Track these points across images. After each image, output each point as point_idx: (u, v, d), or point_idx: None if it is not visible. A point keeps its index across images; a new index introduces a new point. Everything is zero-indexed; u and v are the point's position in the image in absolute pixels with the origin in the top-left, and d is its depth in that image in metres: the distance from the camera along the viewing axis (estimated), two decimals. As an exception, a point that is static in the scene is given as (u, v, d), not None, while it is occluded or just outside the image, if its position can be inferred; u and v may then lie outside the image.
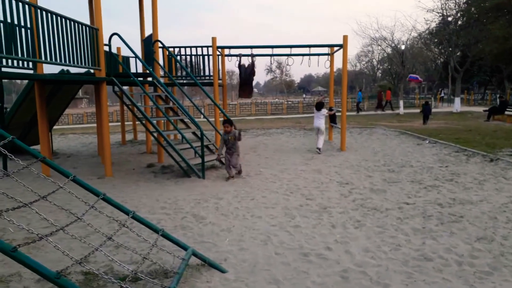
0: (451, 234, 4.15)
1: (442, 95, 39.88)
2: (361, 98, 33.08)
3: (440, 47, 34.89)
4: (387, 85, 49.85)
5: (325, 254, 3.72)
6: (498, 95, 28.48)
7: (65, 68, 8.62)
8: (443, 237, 4.08)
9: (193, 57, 11.85)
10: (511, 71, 34.85)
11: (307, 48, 11.06)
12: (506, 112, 18.55)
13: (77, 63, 7.10)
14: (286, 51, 11.22)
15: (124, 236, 4.19)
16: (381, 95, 33.05)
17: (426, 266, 3.40)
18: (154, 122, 7.83)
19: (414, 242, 3.97)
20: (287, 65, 11.49)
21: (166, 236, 3.21)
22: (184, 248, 3.36)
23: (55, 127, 13.83)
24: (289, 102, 41.59)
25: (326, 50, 11.57)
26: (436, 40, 32.05)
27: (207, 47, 11.46)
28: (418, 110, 27.78)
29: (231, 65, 45.93)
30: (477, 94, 42.74)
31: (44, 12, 6.31)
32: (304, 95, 79.88)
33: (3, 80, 8.40)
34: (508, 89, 36.14)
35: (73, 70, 9.18)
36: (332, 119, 12.55)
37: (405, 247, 3.84)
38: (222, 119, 11.78)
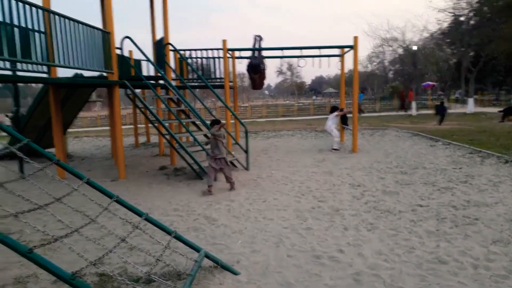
0: (465, 237, 4.09)
1: (457, 95, 39.44)
2: (361, 100, 32.77)
3: (452, 47, 34.49)
4: (399, 86, 49.38)
5: (338, 257, 3.70)
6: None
7: (79, 71, 8.75)
8: (457, 239, 4.02)
9: (204, 59, 11.93)
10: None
11: (318, 50, 11.04)
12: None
13: (90, 66, 7.20)
14: (296, 52, 11.22)
15: (137, 238, 4.23)
16: (403, 95, 32.68)
17: (441, 269, 3.35)
18: (166, 124, 7.89)
19: (428, 245, 3.92)
20: (299, 66, 11.46)
21: (179, 238, 3.23)
22: (197, 250, 3.37)
23: (69, 130, 14.03)
24: (300, 104, 41.49)
25: (336, 51, 11.54)
26: (448, 40, 31.68)
27: (218, 49, 11.52)
28: (431, 111, 27.45)
29: (242, 67, 45.98)
30: (491, 95, 42.04)
31: (57, 17, 6.42)
32: (314, 97, 79.20)
33: (18, 84, 8.56)
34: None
35: (86, 73, 9.32)
36: (343, 120, 12.48)
37: (419, 250, 3.79)
38: (233, 121, 11.86)
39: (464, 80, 34.31)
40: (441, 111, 17.74)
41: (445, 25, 30.16)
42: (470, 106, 25.07)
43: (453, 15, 27.44)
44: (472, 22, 27.49)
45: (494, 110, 19.48)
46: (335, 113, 11.03)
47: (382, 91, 64.91)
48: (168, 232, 3.16)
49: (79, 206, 5.42)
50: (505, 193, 5.77)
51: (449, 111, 28.16)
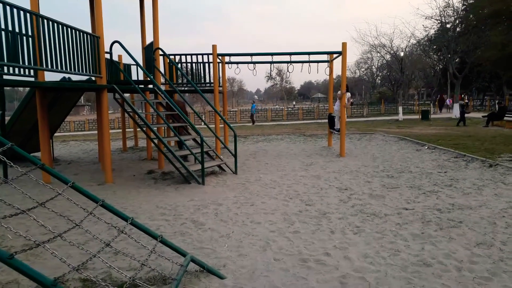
0: (450, 240, 4.15)
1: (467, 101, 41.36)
2: (254, 110, 33.18)
3: (438, 54, 35.09)
4: (387, 92, 50.05)
5: (324, 260, 3.72)
6: (497, 101, 28.61)
7: (67, 75, 8.68)
8: (442, 242, 4.08)
9: (193, 64, 11.93)
10: (510, 77, 34.94)
11: (307, 55, 11.15)
12: (505, 118, 18.59)
13: (79, 70, 7.14)
14: (286, 58, 11.30)
15: (123, 242, 4.19)
16: (442, 97, 35.60)
17: (426, 272, 3.39)
18: (155, 129, 7.86)
19: (413, 248, 3.96)
20: (288, 72, 11.57)
21: (164, 242, 3.21)
22: (183, 254, 3.36)
23: (56, 134, 13.87)
24: (289, 109, 41.69)
25: (325, 57, 11.65)
26: (435, 46, 32.24)
27: (208, 54, 11.54)
28: (417, 116, 27.89)
29: (231, 72, 46.17)
30: (476, 100, 42.83)
31: (45, 21, 6.37)
32: (293, 103, 78.94)
33: (5, 88, 8.45)
34: (507, 95, 36.19)
35: (74, 77, 9.25)
36: (331, 124, 12.58)
37: (404, 253, 3.84)
38: (222, 125, 11.86)
39: (450, 85, 34.89)
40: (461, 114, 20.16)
41: (432, 32, 30.73)
42: (456, 111, 25.48)
43: (439, 22, 27.93)
44: (458, 29, 28.01)
45: (479, 115, 19.84)
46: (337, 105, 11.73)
47: (370, 97, 65.65)
48: (154, 236, 3.15)
49: (64, 211, 5.40)
50: (488, 197, 5.87)
51: (436, 116, 28.66)
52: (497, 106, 23.73)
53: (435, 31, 30.24)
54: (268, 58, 11.36)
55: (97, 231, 4.51)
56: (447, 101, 36.12)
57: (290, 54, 11.04)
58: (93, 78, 8.03)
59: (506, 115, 18.86)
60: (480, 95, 48.29)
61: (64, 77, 9.06)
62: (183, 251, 3.40)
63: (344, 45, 10.42)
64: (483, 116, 19.60)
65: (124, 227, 2.95)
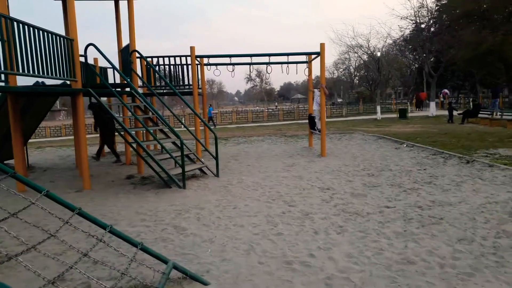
0: (432, 237, 4.19)
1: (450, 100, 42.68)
2: (211, 113, 33.41)
3: (414, 53, 35.86)
4: (365, 92, 50.87)
5: (309, 262, 3.69)
6: (471, 99, 29.44)
7: (40, 79, 8.41)
8: (424, 239, 4.11)
9: (172, 66, 11.78)
10: (483, 75, 36.01)
11: (286, 56, 11.18)
12: (479, 115, 19.12)
13: (52, 74, 6.91)
14: (265, 59, 11.29)
15: (102, 251, 4.06)
16: (419, 95, 36.23)
17: (410, 270, 3.41)
18: (133, 133, 7.70)
19: (397, 246, 3.98)
20: (267, 73, 11.57)
21: (145, 250, 3.12)
22: (164, 261, 3.27)
23: (31, 140, 13.45)
24: (270, 110, 41.83)
25: (304, 58, 11.70)
26: (410, 46, 32.93)
27: (186, 56, 11.42)
28: (395, 115, 28.39)
29: (210, 74, 45.97)
30: (451, 98, 43.97)
31: (15, 23, 6.15)
32: (276, 104, 78.08)
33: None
34: (480, 92, 37.29)
35: (49, 81, 8.97)
36: (311, 125, 12.63)
37: (388, 251, 3.85)
38: (202, 127, 11.74)
39: (425, 84, 35.69)
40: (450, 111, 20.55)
41: (407, 32, 31.37)
42: (432, 109, 26.07)
43: (414, 23, 28.52)
44: (432, 29, 28.67)
45: (454, 113, 20.35)
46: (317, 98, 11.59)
47: (348, 97, 66.55)
48: (134, 244, 3.05)
49: (41, 220, 5.22)
50: (467, 192, 5.99)
51: (413, 114, 29.23)
52: (471, 103, 24.40)
53: (410, 31, 30.91)
54: (248, 60, 11.33)
55: (75, 240, 4.36)
56: (445, 91, 37.20)
57: (269, 55, 11.04)
58: (68, 82, 7.80)
59: (480, 112, 19.40)
60: (455, 93, 49.57)
61: (37, 82, 8.76)
62: (165, 258, 3.31)
63: (322, 45, 10.48)
64: (458, 114, 20.10)
65: (102, 235, 2.85)
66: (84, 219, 2.93)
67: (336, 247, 4.04)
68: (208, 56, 11.32)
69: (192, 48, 10.76)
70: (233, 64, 11.31)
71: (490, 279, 3.18)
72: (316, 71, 13.12)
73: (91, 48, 8.05)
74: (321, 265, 3.61)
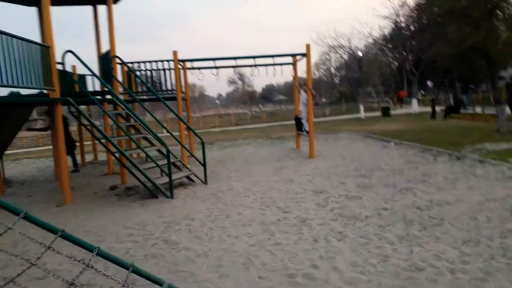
0: (436, 239, 4.03)
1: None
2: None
3: (394, 52, 36.32)
4: (346, 91, 51.36)
5: (312, 273, 3.47)
6: (453, 95, 29.98)
7: (15, 90, 7.98)
8: (429, 243, 3.95)
9: (154, 71, 11.44)
10: (462, 72, 36.71)
11: (271, 58, 11.01)
12: (461, 111, 19.39)
13: (28, 84, 6.52)
14: (250, 61, 11.08)
15: (89, 273, 3.74)
16: (399, 94, 37.21)
17: (419, 277, 3.23)
18: (115, 141, 7.36)
19: (401, 251, 3.81)
20: (253, 75, 11.39)
21: (137, 272, 2.84)
22: (159, 283, 2.99)
23: (7, 152, 12.86)
24: (254, 112, 41.68)
25: (289, 59, 11.56)
26: (390, 45, 33.33)
27: (168, 61, 11.11)
28: (378, 113, 28.62)
29: (192, 78, 45.61)
30: (432, 96, 44.88)
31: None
32: (260, 106, 77.51)
33: None
34: (458, 88, 37.99)
35: (24, 91, 8.53)
36: (298, 126, 12.47)
37: (394, 258, 3.66)
38: (186, 132, 11.43)
39: (406, 82, 36.16)
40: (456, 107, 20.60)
41: (387, 31, 31.74)
42: (415, 106, 26.35)
43: (394, 22, 28.86)
44: (412, 28, 29.07)
45: (436, 109, 20.61)
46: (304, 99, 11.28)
47: (330, 96, 67.04)
48: (125, 266, 2.77)
49: (19, 241, 4.82)
50: (462, 190, 5.89)
51: (396, 112, 29.52)
52: (452, 100, 24.78)
53: (389, 31, 31.28)
54: (233, 63, 11.09)
55: (58, 262, 4.02)
56: (428, 83, 37.82)
57: (254, 57, 10.85)
58: (45, 91, 7.41)
59: (461, 108, 19.68)
60: (434, 90, 50.42)
61: (12, 92, 8.32)
62: (159, 280, 3.03)
63: (308, 47, 10.35)
64: (441, 110, 20.34)
65: (89, 259, 2.57)
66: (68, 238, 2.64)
67: (339, 255, 3.84)
68: (192, 60, 11.05)
69: (175, 53, 10.48)
70: (218, 68, 11.07)
71: (505, 283, 3.02)
72: (300, 72, 12.98)
73: (68, 54, 7.69)
74: (325, 277, 3.40)
